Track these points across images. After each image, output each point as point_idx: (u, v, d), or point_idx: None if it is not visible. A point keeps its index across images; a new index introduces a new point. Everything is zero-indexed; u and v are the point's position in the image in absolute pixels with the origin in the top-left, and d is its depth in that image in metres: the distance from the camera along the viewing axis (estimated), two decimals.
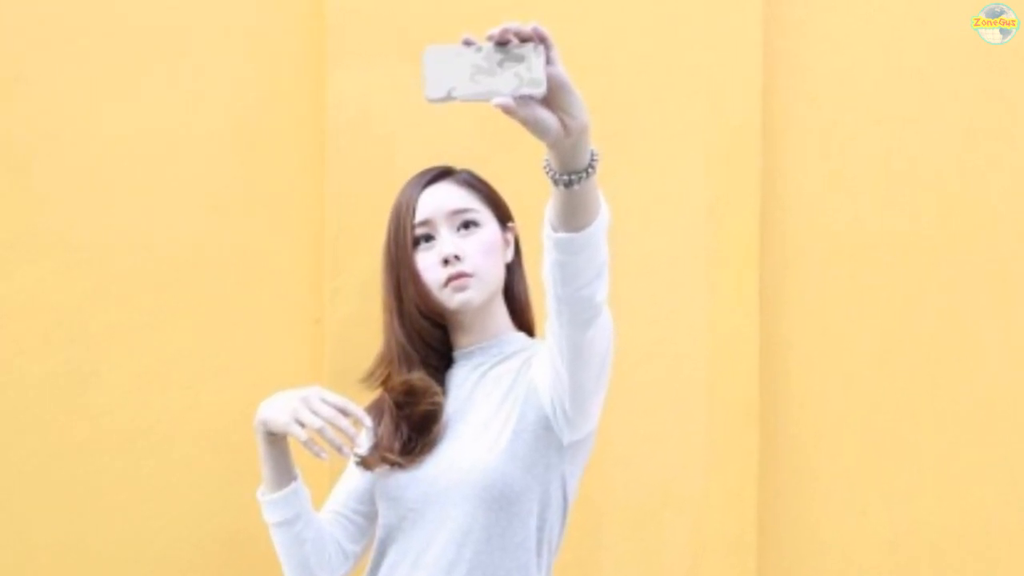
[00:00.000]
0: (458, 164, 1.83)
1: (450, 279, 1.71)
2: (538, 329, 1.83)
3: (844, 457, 2.38)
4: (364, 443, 1.78)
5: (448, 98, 1.29)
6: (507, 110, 1.27)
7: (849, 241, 2.37)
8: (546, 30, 1.29)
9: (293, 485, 1.76)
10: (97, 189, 2.12)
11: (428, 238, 1.74)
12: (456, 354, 1.80)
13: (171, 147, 2.14)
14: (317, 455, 1.63)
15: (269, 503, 1.77)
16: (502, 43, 1.28)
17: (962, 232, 2.39)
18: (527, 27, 1.28)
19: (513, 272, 1.82)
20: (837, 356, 2.38)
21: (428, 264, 1.73)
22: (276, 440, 1.73)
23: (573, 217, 1.40)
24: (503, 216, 1.80)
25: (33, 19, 2.10)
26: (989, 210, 2.40)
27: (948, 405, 2.40)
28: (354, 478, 1.85)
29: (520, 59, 1.28)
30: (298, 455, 1.74)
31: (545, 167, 1.39)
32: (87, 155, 2.12)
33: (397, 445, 1.72)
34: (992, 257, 2.40)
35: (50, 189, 2.11)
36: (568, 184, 1.37)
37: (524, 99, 1.28)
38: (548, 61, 1.29)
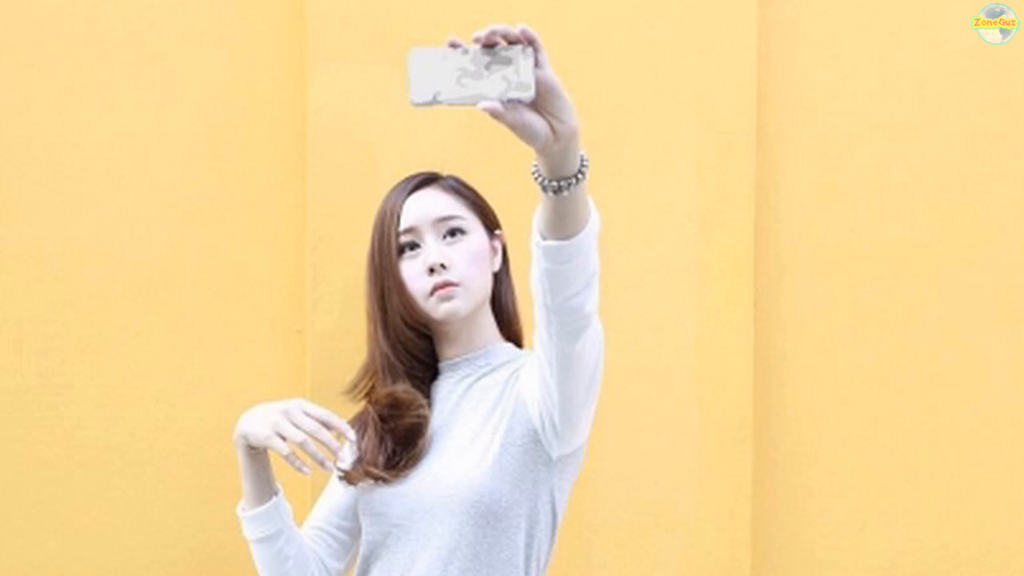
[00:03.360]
0: (443, 170, 1.82)
1: (436, 288, 1.70)
2: (526, 340, 1.82)
3: (841, 474, 2.37)
4: (347, 457, 1.76)
5: (433, 102, 1.28)
6: (495, 114, 1.26)
7: (846, 252, 2.36)
8: (534, 32, 1.27)
9: (274, 500, 1.74)
10: (69, 196, 2.10)
11: (413, 246, 1.73)
12: (442, 365, 1.79)
13: (146, 153, 2.13)
14: (299, 469, 1.61)
15: (250, 519, 1.75)
16: (489, 45, 1.27)
17: (963, 242, 2.38)
18: (515, 29, 1.27)
19: (501, 281, 1.81)
20: (833, 370, 2.36)
21: (413, 273, 1.72)
22: (257, 454, 1.72)
23: (562, 224, 1.39)
24: (490, 223, 1.80)
25: None
26: (991, 220, 2.39)
27: (947, 420, 2.39)
28: (337, 493, 1.83)
29: (508, 62, 1.26)
30: (279, 469, 1.72)
31: (534, 173, 1.38)
32: (57, 161, 2.10)
33: (381, 459, 1.71)
34: (994, 268, 2.39)
35: (20, 197, 2.09)
36: (557, 190, 1.36)
37: (512, 103, 1.27)
38: (537, 64, 1.27)
